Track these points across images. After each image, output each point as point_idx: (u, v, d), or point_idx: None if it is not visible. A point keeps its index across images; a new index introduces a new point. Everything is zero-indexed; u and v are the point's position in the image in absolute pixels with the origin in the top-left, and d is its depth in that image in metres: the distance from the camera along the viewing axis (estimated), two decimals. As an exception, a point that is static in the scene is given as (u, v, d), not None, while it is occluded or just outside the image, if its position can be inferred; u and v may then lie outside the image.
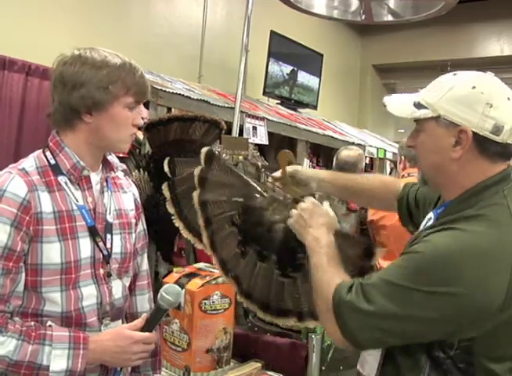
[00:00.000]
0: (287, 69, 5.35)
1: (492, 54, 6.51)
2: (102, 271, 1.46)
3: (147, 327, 1.42)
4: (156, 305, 1.42)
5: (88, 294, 1.43)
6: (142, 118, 3.08)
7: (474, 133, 1.22)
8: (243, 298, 1.72)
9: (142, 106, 3.06)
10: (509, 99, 1.25)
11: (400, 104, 1.35)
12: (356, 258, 1.75)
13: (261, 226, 1.75)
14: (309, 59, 5.71)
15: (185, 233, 2.02)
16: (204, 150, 1.81)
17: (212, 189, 1.79)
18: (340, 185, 1.75)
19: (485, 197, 1.25)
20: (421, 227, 1.39)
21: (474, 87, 1.23)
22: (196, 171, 1.77)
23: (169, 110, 3.05)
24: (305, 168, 1.81)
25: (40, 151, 1.46)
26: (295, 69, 5.48)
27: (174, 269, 2.07)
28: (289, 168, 1.71)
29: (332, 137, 4.88)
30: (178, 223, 1.98)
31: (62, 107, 1.42)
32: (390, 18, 3.09)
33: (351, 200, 1.91)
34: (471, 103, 1.23)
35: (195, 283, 1.89)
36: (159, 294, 1.41)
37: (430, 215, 1.38)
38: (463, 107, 1.24)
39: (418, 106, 1.29)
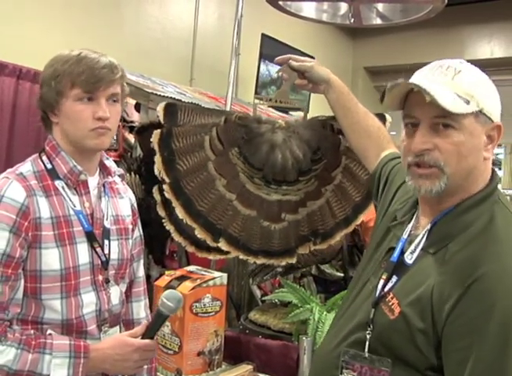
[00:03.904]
0: (276, 69, 5.33)
1: (482, 56, 6.54)
2: (100, 277, 1.45)
3: (148, 333, 1.41)
4: (157, 312, 1.40)
5: (88, 301, 1.41)
6: (128, 121, 3.08)
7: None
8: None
9: (131, 103, 3.08)
10: None
11: (446, 96, 1.12)
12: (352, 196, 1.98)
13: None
14: (301, 62, 5.71)
15: (176, 236, 2.03)
16: (162, 104, 1.86)
17: (183, 138, 1.89)
18: (342, 99, 1.76)
19: (487, 209, 1.16)
20: (417, 240, 1.23)
21: (488, 78, 1.19)
22: (155, 133, 1.85)
23: (160, 113, 3.05)
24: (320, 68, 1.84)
25: (36, 155, 1.45)
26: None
27: (166, 272, 2.07)
28: (306, 63, 1.78)
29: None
30: (168, 226, 1.99)
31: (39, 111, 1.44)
32: (379, 21, 3.11)
33: (341, 120, 1.79)
34: (496, 95, 1.18)
35: (186, 286, 1.89)
36: (159, 300, 1.39)
37: (428, 227, 1.22)
38: (495, 101, 1.17)
39: (462, 98, 1.13)
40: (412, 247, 1.22)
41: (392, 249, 1.27)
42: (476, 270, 1.09)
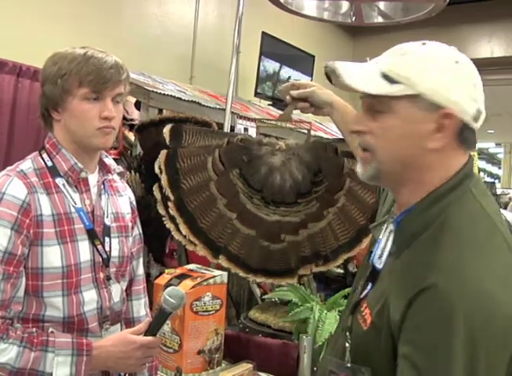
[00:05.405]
0: (274, 65, 5.29)
1: (482, 55, 6.53)
2: (101, 275, 1.45)
3: (150, 331, 1.40)
4: (160, 309, 1.40)
5: (89, 298, 1.41)
6: (128, 119, 3.10)
7: (458, 118, 1.02)
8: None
9: (131, 101, 3.09)
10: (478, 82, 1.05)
11: (363, 75, 1.06)
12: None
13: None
14: (301, 61, 5.70)
15: (176, 235, 2.03)
16: (168, 127, 1.92)
17: (187, 159, 1.98)
18: (346, 119, 1.70)
19: (451, 202, 1.03)
20: (382, 242, 1.15)
21: (456, 62, 1.04)
22: (162, 153, 1.94)
23: (160, 111, 3.05)
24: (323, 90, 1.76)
25: (36, 153, 1.45)
26: (280, 66, 5.42)
27: (166, 271, 2.06)
28: (308, 89, 1.74)
29: (323, 138, 4.88)
30: (169, 225, 1.99)
31: (40, 108, 1.43)
32: (380, 20, 3.10)
33: (348, 139, 1.74)
34: (457, 80, 1.02)
35: (186, 285, 1.88)
36: (162, 298, 1.39)
37: (391, 227, 1.13)
38: (449, 85, 1.02)
39: (389, 79, 1.04)
40: (379, 251, 1.15)
41: (371, 252, 1.20)
42: (425, 280, 0.97)
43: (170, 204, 1.95)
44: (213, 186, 1.98)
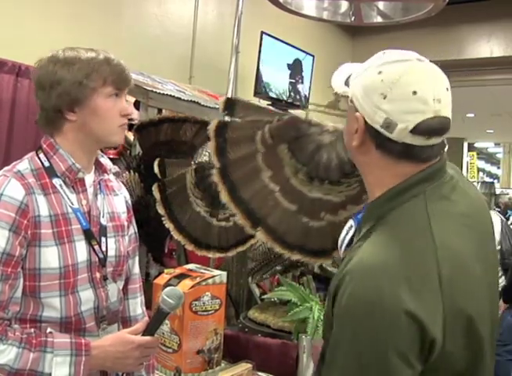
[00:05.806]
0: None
1: (481, 55, 6.53)
2: (98, 275, 1.45)
3: (148, 331, 1.40)
4: (158, 309, 1.40)
5: (86, 298, 1.41)
6: (131, 119, 3.11)
7: (368, 124, 1.11)
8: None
9: (130, 101, 3.09)
10: (415, 93, 1.06)
11: (340, 77, 1.22)
12: None
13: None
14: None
15: (175, 234, 2.03)
16: (223, 98, 2.02)
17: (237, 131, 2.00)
18: None
19: (401, 203, 1.10)
20: (342, 235, 1.25)
21: (379, 72, 1.10)
22: (213, 122, 1.97)
23: (160, 111, 3.06)
24: None
25: (33, 153, 1.44)
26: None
27: (165, 270, 2.06)
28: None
29: None
30: (168, 224, 1.99)
31: (45, 111, 1.41)
32: (379, 19, 3.11)
33: None
34: (369, 89, 1.10)
35: (185, 285, 1.89)
36: (160, 298, 1.39)
37: (351, 222, 1.22)
38: (363, 92, 1.11)
39: (346, 82, 1.19)
40: (339, 242, 1.23)
41: None
42: (341, 273, 1.08)
43: (215, 170, 1.95)
44: (259, 158, 1.99)
